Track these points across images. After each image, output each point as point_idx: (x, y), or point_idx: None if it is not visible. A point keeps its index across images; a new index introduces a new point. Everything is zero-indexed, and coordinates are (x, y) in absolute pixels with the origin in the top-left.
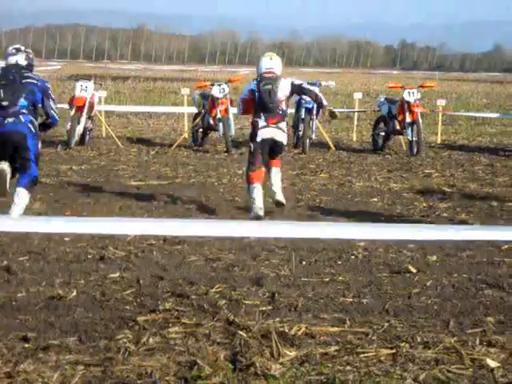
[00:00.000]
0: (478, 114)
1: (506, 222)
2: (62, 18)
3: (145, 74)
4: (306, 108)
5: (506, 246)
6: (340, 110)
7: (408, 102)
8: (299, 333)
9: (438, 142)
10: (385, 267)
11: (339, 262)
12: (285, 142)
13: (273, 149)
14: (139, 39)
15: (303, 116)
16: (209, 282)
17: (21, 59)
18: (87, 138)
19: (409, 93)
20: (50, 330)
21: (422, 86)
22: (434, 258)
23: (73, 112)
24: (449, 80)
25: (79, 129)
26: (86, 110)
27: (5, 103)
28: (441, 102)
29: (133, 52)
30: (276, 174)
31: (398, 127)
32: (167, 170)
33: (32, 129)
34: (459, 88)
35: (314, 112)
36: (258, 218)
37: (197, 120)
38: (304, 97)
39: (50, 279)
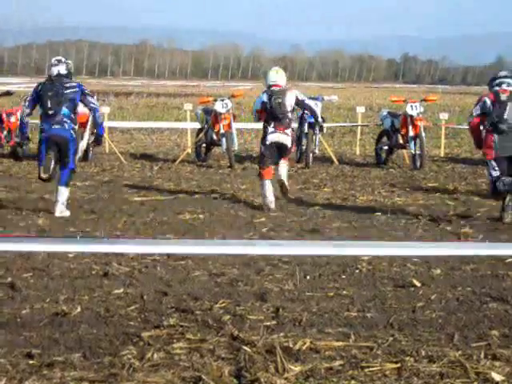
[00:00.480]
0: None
1: (509, 236)
2: (64, 34)
3: (148, 90)
4: (309, 122)
5: (510, 259)
6: (343, 125)
7: (411, 116)
8: (304, 348)
9: (442, 155)
10: (389, 281)
11: (343, 276)
12: (289, 145)
13: (280, 150)
14: (142, 55)
15: (306, 130)
16: (213, 298)
17: (62, 69)
18: (90, 153)
19: (411, 106)
20: (54, 347)
21: (424, 100)
22: (438, 271)
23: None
24: (451, 93)
25: (82, 145)
26: (89, 126)
27: (51, 112)
28: (443, 116)
29: (136, 68)
30: (283, 165)
31: (401, 141)
32: (170, 185)
33: (73, 134)
34: (462, 101)
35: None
36: (269, 209)
37: (200, 135)
38: (307, 112)
39: (55, 296)
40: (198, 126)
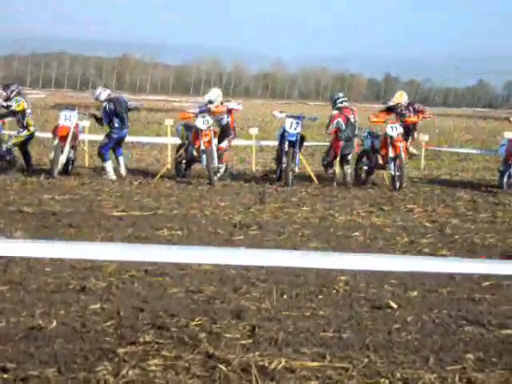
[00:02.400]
0: (461, 150)
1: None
2: (47, 46)
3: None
4: (290, 141)
5: (487, 283)
6: (324, 144)
7: (391, 137)
8: (279, 367)
9: (421, 176)
10: (366, 302)
11: (320, 297)
12: None
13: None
14: (124, 68)
15: (286, 149)
16: (189, 315)
17: (108, 91)
18: (70, 167)
19: (392, 127)
20: (29, 361)
21: (405, 121)
22: (415, 293)
23: (56, 141)
24: (432, 115)
25: (62, 158)
26: (69, 140)
27: (127, 122)
28: (423, 137)
29: (117, 81)
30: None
31: (380, 162)
32: (150, 200)
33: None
34: (442, 123)
35: (298, 145)
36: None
37: (180, 151)
38: (287, 130)
39: (31, 309)
40: (178, 141)
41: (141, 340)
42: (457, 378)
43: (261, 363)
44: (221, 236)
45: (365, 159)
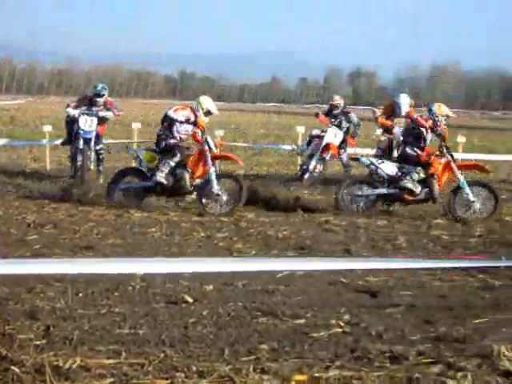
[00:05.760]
0: (256, 146)
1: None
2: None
3: None
4: (85, 138)
5: (281, 275)
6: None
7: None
8: (74, 366)
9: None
10: (162, 298)
11: (116, 294)
12: None
13: None
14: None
15: (81, 146)
16: None
17: None
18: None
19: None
20: None
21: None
22: (211, 287)
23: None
24: (227, 110)
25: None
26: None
27: None
28: (219, 132)
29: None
30: None
31: None
32: None
33: None
34: (237, 118)
35: (92, 143)
36: None
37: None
38: (82, 127)
39: None
40: None
41: None
42: (251, 369)
43: (55, 363)
44: (14, 235)
45: None
